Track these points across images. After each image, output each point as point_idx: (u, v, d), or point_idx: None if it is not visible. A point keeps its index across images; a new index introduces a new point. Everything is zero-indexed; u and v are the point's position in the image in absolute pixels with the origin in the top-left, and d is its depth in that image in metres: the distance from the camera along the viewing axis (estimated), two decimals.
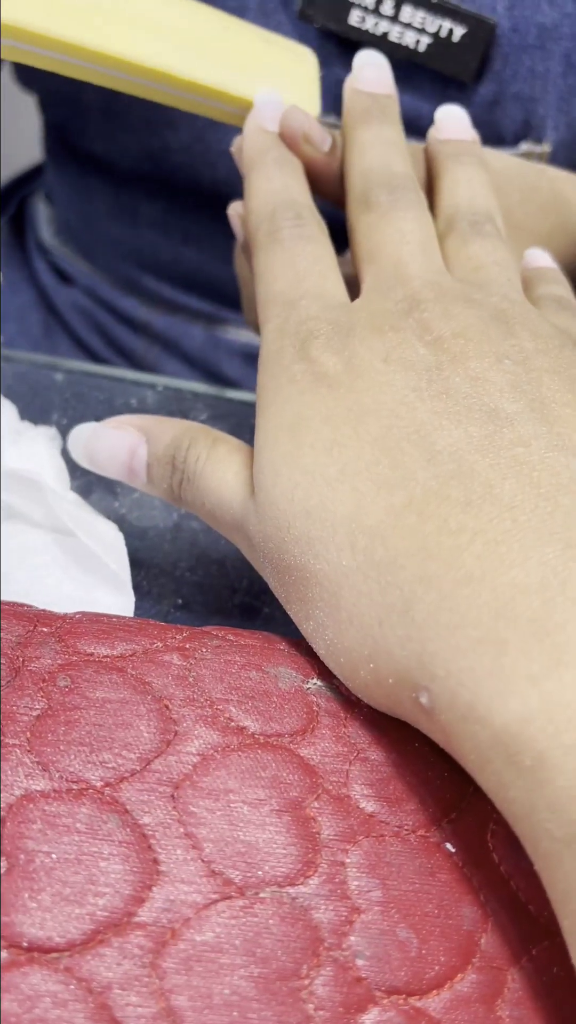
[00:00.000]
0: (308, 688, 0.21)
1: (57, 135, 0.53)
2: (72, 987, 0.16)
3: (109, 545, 0.27)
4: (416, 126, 0.43)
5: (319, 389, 0.22)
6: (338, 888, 0.18)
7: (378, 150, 0.28)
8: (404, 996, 0.17)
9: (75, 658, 0.20)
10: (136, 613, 0.28)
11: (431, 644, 0.18)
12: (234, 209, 0.32)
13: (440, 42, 0.40)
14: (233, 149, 0.31)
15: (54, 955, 0.16)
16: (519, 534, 0.18)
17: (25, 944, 0.16)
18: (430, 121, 0.43)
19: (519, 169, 0.33)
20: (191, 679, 0.20)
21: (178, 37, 0.30)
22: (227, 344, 0.56)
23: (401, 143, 0.29)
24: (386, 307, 0.23)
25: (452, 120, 0.31)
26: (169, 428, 0.25)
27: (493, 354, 0.22)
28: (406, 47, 0.40)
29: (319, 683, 0.21)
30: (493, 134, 0.43)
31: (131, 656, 0.20)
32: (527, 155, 0.43)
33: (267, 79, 0.32)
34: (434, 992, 0.17)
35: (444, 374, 0.21)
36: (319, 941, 0.17)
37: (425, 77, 0.41)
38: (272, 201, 0.27)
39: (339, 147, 0.30)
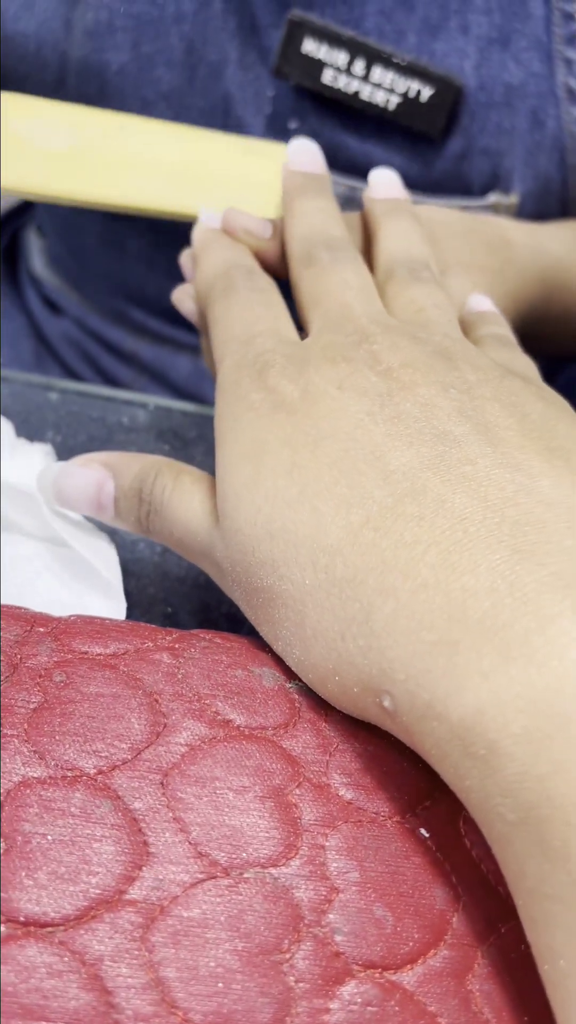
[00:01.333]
0: (290, 687, 0.22)
1: None
2: (66, 959, 0.17)
3: (101, 554, 0.28)
4: None
5: (277, 415, 0.23)
6: (318, 869, 0.19)
7: (316, 217, 0.30)
8: (380, 970, 0.18)
9: (70, 656, 0.21)
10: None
11: (390, 651, 0.19)
12: (179, 293, 0.33)
13: (408, 101, 0.42)
14: (182, 260, 0.33)
15: (49, 929, 0.17)
16: (469, 543, 0.19)
17: (22, 919, 0.17)
18: (399, 172, 0.45)
19: (458, 215, 0.35)
20: (180, 676, 0.21)
21: (153, 171, 0.33)
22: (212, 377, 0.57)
23: (335, 211, 0.31)
24: (337, 340, 0.25)
25: (383, 180, 0.33)
26: (134, 462, 0.26)
27: (439, 383, 0.23)
28: (376, 105, 0.43)
29: (299, 683, 0.22)
30: (462, 185, 0.45)
31: (123, 655, 0.21)
32: (495, 206, 0.45)
33: (234, 192, 0.34)
34: (408, 967, 0.18)
35: (395, 400, 0.23)
36: (300, 918, 0.18)
37: (396, 130, 0.43)
38: (224, 263, 0.29)
39: (279, 231, 0.32)
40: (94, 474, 0.27)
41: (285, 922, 0.18)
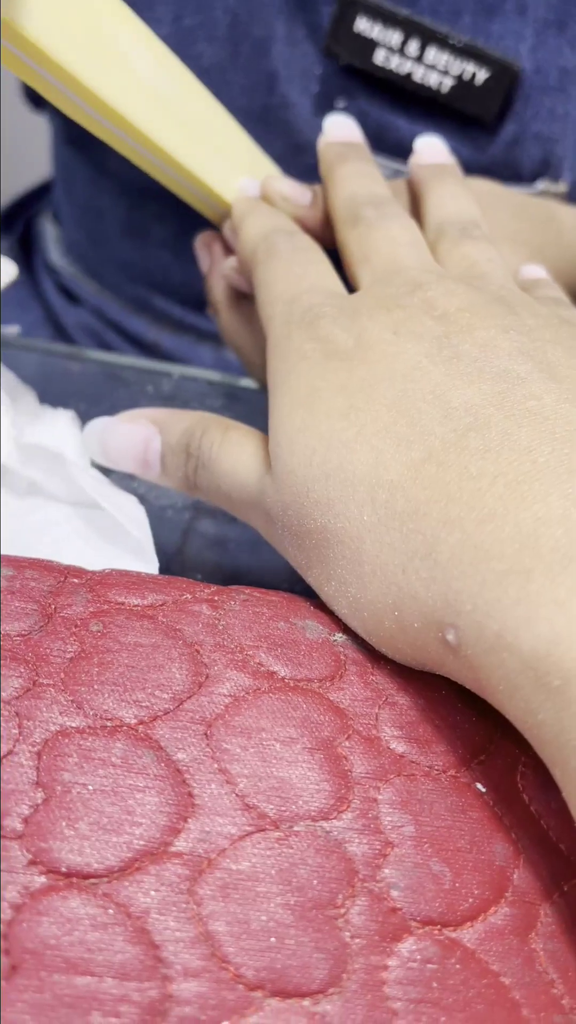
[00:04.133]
0: (334, 640, 0.21)
1: (70, 150, 0.54)
2: (111, 911, 0.16)
3: (131, 515, 0.27)
4: None
5: (330, 363, 0.22)
6: (371, 823, 0.18)
7: (358, 180, 0.29)
8: (439, 927, 0.17)
9: (106, 607, 0.20)
10: None
11: (456, 582, 0.18)
12: (201, 240, 0.33)
13: (463, 84, 0.41)
14: (224, 231, 0.32)
15: (92, 881, 0.16)
16: (538, 474, 0.18)
17: (64, 870, 0.16)
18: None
19: (506, 189, 0.35)
20: (220, 627, 0.20)
21: (187, 124, 0.31)
22: (236, 365, 0.57)
23: (378, 174, 0.30)
24: (389, 291, 0.24)
25: (431, 147, 0.32)
26: (182, 418, 0.26)
27: (498, 326, 0.22)
28: (429, 87, 0.42)
29: (344, 636, 0.21)
30: (512, 172, 0.44)
31: (161, 606, 0.21)
32: (544, 193, 0.45)
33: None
34: (468, 924, 0.17)
35: (453, 341, 0.22)
36: (353, 873, 0.17)
37: (447, 113, 0.42)
38: (265, 227, 0.28)
39: (320, 198, 0.31)
40: (141, 430, 0.26)
41: (338, 876, 0.17)
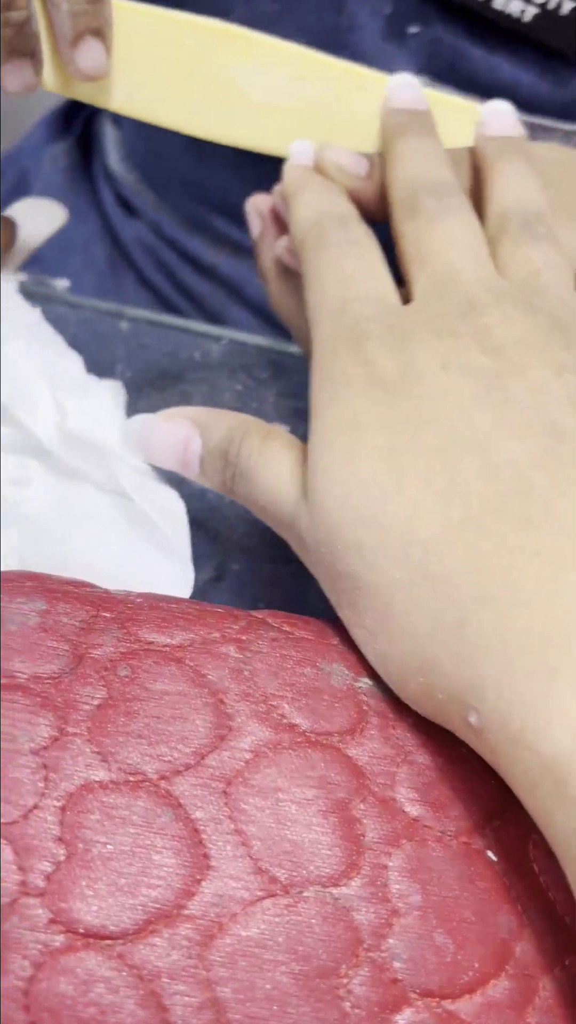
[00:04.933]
0: (359, 687, 0.21)
1: None
2: (124, 974, 0.17)
3: (168, 512, 0.27)
4: (514, 95, 0.41)
5: (375, 393, 0.22)
6: (379, 891, 0.18)
7: (419, 158, 0.27)
8: (437, 999, 0.18)
9: (136, 646, 0.21)
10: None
11: (483, 666, 0.18)
12: (252, 204, 0.31)
13: (546, 14, 0.38)
14: (274, 196, 0.31)
15: (108, 942, 0.17)
16: (571, 563, 0.18)
17: (82, 930, 0.17)
18: (527, 91, 0.41)
19: (575, 156, 0.32)
20: (247, 673, 0.21)
21: (255, 108, 0.30)
22: None
23: (441, 152, 0.28)
24: (443, 309, 0.23)
25: (499, 117, 0.30)
26: (222, 421, 0.25)
27: (553, 365, 0.21)
28: (510, 16, 0.38)
29: (370, 682, 0.21)
30: None
31: (189, 646, 0.21)
32: None
33: (334, 129, 0.31)
34: (467, 996, 0.18)
35: (504, 383, 0.21)
36: (359, 942, 0.18)
37: (528, 44, 0.39)
38: (317, 211, 0.27)
39: (377, 168, 0.29)
40: (181, 430, 0.26)
41: (344, 946, 0.18)
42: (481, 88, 0.42)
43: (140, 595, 0.22)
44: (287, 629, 0.22)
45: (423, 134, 0.28)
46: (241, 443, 0.25)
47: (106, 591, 0.22)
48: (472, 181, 0.30)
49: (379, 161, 0.30)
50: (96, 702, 0.20)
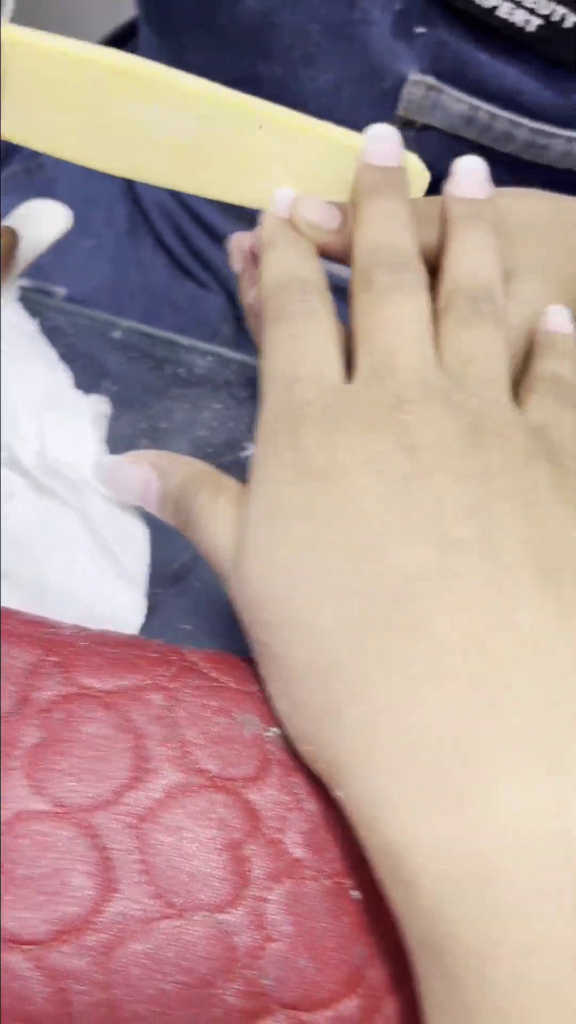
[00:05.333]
0: (267, 736, 0.25)
1: (149, 30, 0.52)
2: (38, 974, 0.21)
3: (130, 542, 0.30)
4: (515, 101, 0.41)
5: (302, 481, 0.24)
6: (258, 919, 0.22)
7: (382, 225, 0.29)
8: (295, 1011, 0.22)
9: (73, 690, 0.24)
10: (159, 598, 0.32)
11: (347, 755, 0.21)
12: (235, 241, 0.32)
13: (550, 25, 0.38)
14: (254, 237, 0.32)
15: (28, 947, 0.21)
16: (437, 675, 0.21)
17: (7, 936, 0.21)
18: (530, 98, 0.41)
19: (549, 208, 0.33)
20: (168, 720, 0.24)
21: (209, 159, 0.31)
22: None
23: (406, 217, 0.29)
24: (374, 399, 0.25)
25: (469, 176, 0.31)
26: (180, 468, 0.28)
27: (459, 471, 0.23)
28: (513, 25, 0.39)
29: (278, 731, 0.25)
30: None
31: (120, 693, 0.24)
32: None
33: (299, 178, 0.32)
34: (320, 1010, 0.22)
35: (412, 487, 0.23)
36: (235, 960, 0.22)
37: (533, 53, 0.39)
38: (279, 277, 0.28)
39: (349, 220, 0.30)
40: (143, 472, 0.29)
41: (222, 963, 0.22)
42: (486, 92, 0.42)
43: (87, 636, 0.26)
44: (214, 676, 0.25)
45: (391, 196, 0.30)
46: (195, 495, 0.27)
47: (57, 632, 0.26)
48: (439, 238, 0.31)
49: (352, 212, 0.31)
50: (34, 741, 0.23)
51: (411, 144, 0.46)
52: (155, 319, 0.61)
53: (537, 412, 0.27)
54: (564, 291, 0.32)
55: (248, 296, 0.33)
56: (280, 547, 0.24)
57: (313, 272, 0.29)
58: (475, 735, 0.20)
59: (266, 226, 0.31)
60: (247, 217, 0.57)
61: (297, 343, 0.27)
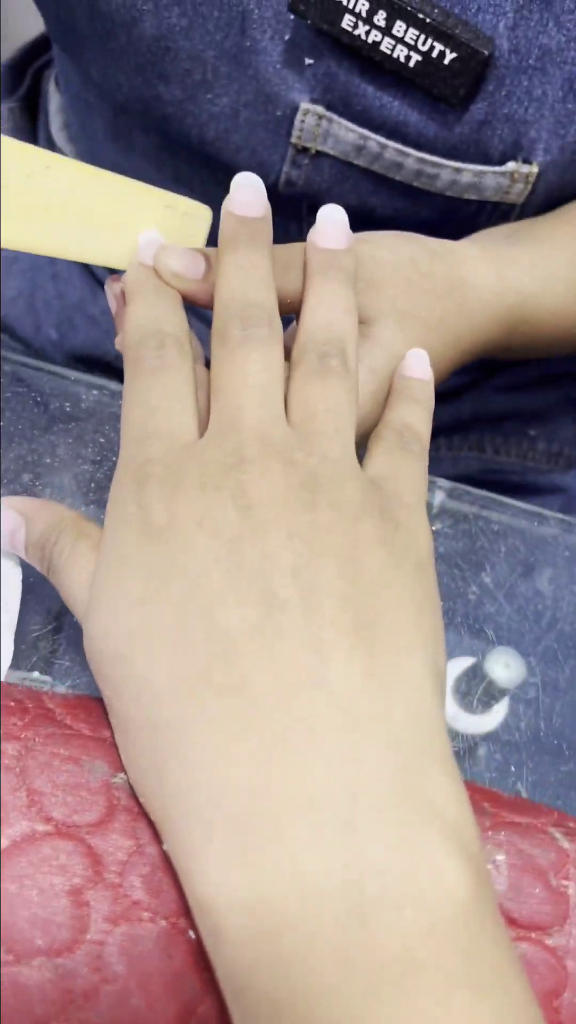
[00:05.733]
0: (115, 782, 0.26)
1: (56, 45, 0.52)
2: None
3: (4, 588, 0.31)
4: (402, 132, 0.42)
5: (143, 539, 0.25)
6: (95, 962, 0.23)
7: (240, 277, 0.29)
8: None
9: None
10: (41, 634, 0.33)
11: (167, 810, 0.22)
12: (109, 286, 0.33)
13: (430, 62, 0.39)
14: (112, 289, 0.33)
15: None
16: (249, 735, 0.22)
17: None
18: (415, 130, 0.42)
19: (410, 257, 0.34)
20: (18, 769, 0.25)
21: (64, 218, 0.31)
22: None
23: (263, 269, 0.30)
24: (215, 458, 0.26)
25: (329, 226, 0.32)
26: (45, 516, 0.29)
27: (287, 530, 0.25)
28: (396, 59, 0.39)
29: (125, 778, 0.26)
30: (480, 153, 0.42)
31: None
32: (512, 174, 0.43)
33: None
34: None
35: (242, 547, 0.24)
36: (71, 1003, 0.23)
37: (416, 87, 0.40)
38: (140, 328, 0.29)
39: (214, 269, 0.31)
40: (10, 520, 0.30)
41: (57, 1006, 0.23)
42: (374, 123, 0.43)
43: None
44: (68, 722, 0.27)
45: (250, 247, 0.30)
46: (55, 541, 0.28)
47: None
48: (302, 281, 0.32)
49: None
50: None
51: (307, 170, 0.47)
52: (70, 331, 0.62)
53: (378, 463, 0.28)
54: (428, 335, 0.34)
55: (118, 341, 0.34)
56: (121, 603, 0.25)
57: (174, 325, 0.30)
58: (275, 791, 0.21)
59: (130, 274, 0.32)
60: None
61: (150, 398, 0.28)
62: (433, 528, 0.38)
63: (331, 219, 0.32)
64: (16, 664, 0.32)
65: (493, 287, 0.36)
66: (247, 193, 0.32)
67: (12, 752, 0.26)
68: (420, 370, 0.32)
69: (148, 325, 0.30)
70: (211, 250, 0.32)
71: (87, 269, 0.61)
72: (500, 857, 0.26)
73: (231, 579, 0.24)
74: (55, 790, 0.25)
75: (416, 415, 0.31)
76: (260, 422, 0.27)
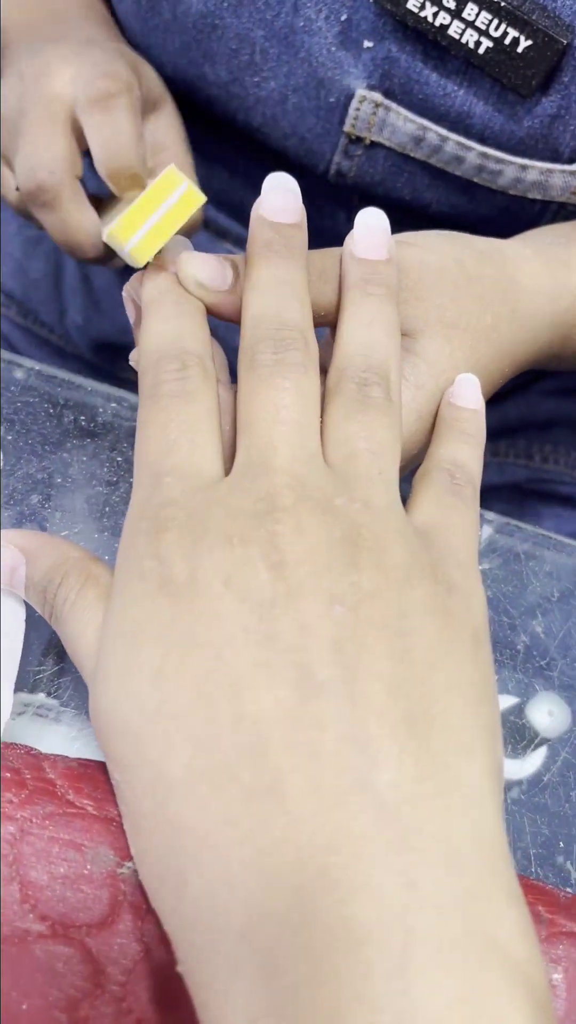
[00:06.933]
0: (121, 873, 0.23)
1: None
2: None
3: (6, 638, 0.28)
4: (465, 124, 0.39)
5: (161, 598, 0.22)
6: None
7: (272, 294, 0.26)
8: None
9: None
10: (43, 673, 0.30)
11: (185, 932, 0.19)
12: (127, 290, 0.30)
13: (502, 48, 0.35)
14: (129, 292, 0.29)
15: None
16: (285, 851, 0.19)
17: None
18: (480, 122, 0.38)
19: (457, 259, 0.30)
20: (12, 857, 0.22)
21: None
22: None
23: (298, 283, 0.26)
24: (245, 505, 0.23)
25: (370, 234, 0.28)
26: (48, 555, 0.26)
27: (328, 594, 0.21)
28: (465, 45, 0.36)
29: (132, 868, 0.23)
30: (548, 149, 0.39)
31: None
32: None
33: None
34: None
35: (275, 613, 0.21)
36: None
37: (484, 75, 0.36)
38: (160, 348, 0.26)
39: (242, 279, 0.28)
40: (9, 556, 0.26)
41: None
42: (435, 114, 0.39)
43: None
44: (70, 798, 0.24)
45: (285, 256, 0.27)
46: (59, 585, 0.25)
47: None
48: (338, 293, 0.29)
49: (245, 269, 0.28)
50: None
51: (360, 161, 0.43)
52: (96, 316, 0.58)
53: (427, 510, 0.25)
54: (478, 347, 0.30)
55: (133, 357, 0.30)
56: (134, 674, 0.22)
57: (197, 342, 0.26)
58: (314, 923, 0.18)
59: (148, 283, 0.28)
60: (232, 237, 0.54)
61: (170, 429, 0.24)
62: (480, 567, 0.35)
63: (370, 226, 0.28)
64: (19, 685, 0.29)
65: (547, 290, 0.33)
66: (280, 197, 0.28)
67: (6, 837, 0.22)
68: (471, 398, 0.28)
69: (168, 343, 0.26)
70: (239, 257, 0.29)
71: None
72: (557, 976, 0.23)
73: (262, 653, 0.21)
74: (52, 883, 0.22)
75: (467, 452, 0.27)
76: (294, 463, 0.24)
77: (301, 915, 0.18)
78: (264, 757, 0.20)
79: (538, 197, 0.41)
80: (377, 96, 0.39)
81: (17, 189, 0.36)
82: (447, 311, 0.29)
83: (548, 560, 0.35)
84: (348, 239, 0.28)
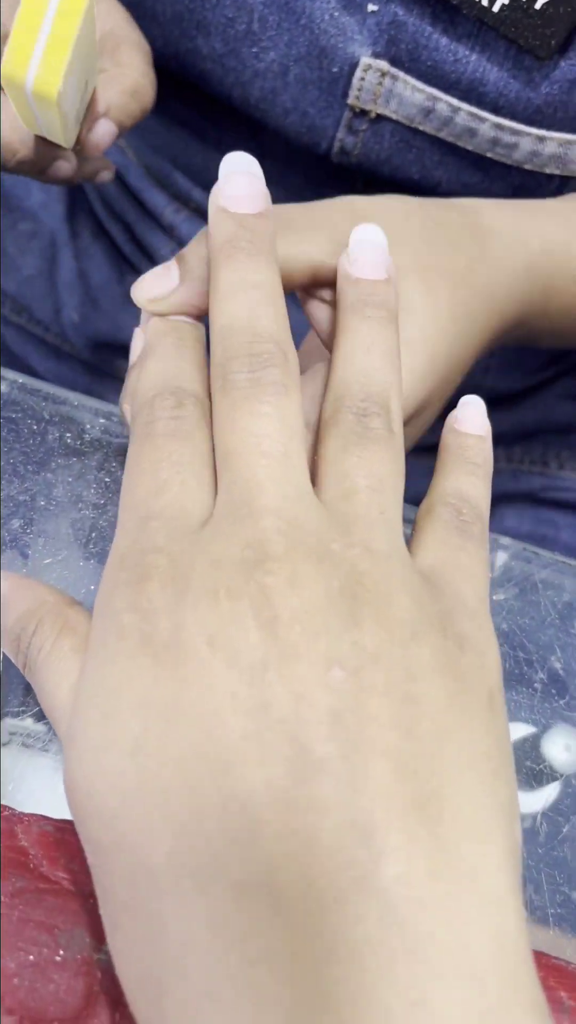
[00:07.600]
0: (98, 959, 0.21)
1: None
2: None
3: None
4: (478, 92, 0.36)
5: (142, 658, 0.19)
6: None
7: (241, 301, 0.23)
8: None
9: None
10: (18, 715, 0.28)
11: None
12: (137, 335, 0.27)
13: (517, 6, 0.32)
14: (136, 337, 0.27)
15: None
16: (278, 961, 0.17)
17: None
18: (494, 90, 0.36)
19: (421, 206, 0.30)
20: None
21: None
22: None
23: (270, 284, 0.23)
24: (230, 552, 0.20)
25: (367, 251, 0.25)
26: (22, 599, 0.23)
27: (325, 657, 0.19)
28: (478, 3, 0.33)
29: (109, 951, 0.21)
30: (568, 118, 0.36)
31: None
32: None
33: None
34: None
35: (268, 678, 0.19)
36: None
37: (499, 38, 0.34)
38: (156, 386, 0.23)
39: (191, 268, 0.26)
40: None
41: None
42: (446, 82, 0.37)
43: None
44: (44, 870, 0.21)
45: (252, 254, 0.24)
46: (33, 634, 0.23)
47: None
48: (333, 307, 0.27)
49: (192, 253, 0.26)
50: None
51: (365, 136, 0.40)
52: (93, 313, 0.56)
53: (432, 551, 0.23)
54: (458, 290, 0.29)
55: (123, 403, 0.28)
56: (111, 748, 0.19)
57: (194, 383, 0.24)
58: None
59: (151, 328, 0.26)
60: (192, 204, 0.51)
61: (161, 468, 0.22)
62: (494, 598, 0.32)
63: (367, 242, 0.26)
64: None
65: (513, 231, 0.32)
66: (241, 183, 0.24)
67: None
68: (476, 424, 0.26)
69: (164, 381, 0.24)
70: (187, 250, 0.26)
71: (113, 247, 0.55)
72: None
73: (252, 724, 0.18)
74: (22, 971, 0.20)
75: (474, 485, 0.25)
76: (283, 502, 0.21)
77: None
78: (254, 846, 0.18)
79: (556, 172, 0.38)
80: (383, 64, 0.37)
81: None
82: (421, 254, 0.28)
83: (568, 589, 0.33)
84: (343, 256, 0.26)
